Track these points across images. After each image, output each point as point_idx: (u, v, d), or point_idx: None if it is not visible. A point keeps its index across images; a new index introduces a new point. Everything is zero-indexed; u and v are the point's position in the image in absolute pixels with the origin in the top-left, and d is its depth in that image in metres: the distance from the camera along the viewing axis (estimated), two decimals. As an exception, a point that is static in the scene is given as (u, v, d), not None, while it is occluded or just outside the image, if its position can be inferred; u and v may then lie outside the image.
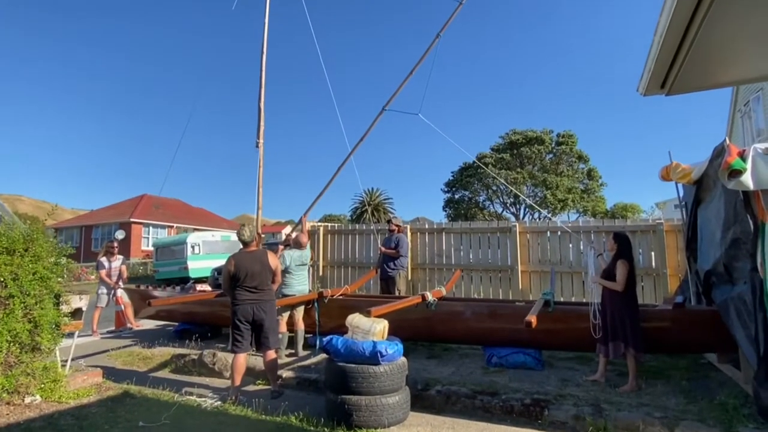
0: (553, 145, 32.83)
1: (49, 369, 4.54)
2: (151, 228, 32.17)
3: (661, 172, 5.50)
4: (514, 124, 63.63)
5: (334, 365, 3.90)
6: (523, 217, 32.62)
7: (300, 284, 6.22)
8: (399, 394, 3.85)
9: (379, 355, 3.75)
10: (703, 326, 4.61)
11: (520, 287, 7.77)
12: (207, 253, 19.43)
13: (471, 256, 8.45)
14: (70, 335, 5.10)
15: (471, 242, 8.49)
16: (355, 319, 4.21)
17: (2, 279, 4.10)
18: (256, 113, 7.91)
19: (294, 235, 6.92)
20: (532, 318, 4.20)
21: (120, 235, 20.67)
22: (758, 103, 13.82)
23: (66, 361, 4.90)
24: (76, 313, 5.53)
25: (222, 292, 5.89)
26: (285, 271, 5.94)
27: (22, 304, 4.18)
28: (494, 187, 33.30)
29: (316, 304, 6.19)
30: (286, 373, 5.14)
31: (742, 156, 3.36)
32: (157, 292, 8.22)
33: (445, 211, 36.07)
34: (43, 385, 4.37)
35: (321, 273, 9.58)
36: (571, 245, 7.63)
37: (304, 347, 6.04)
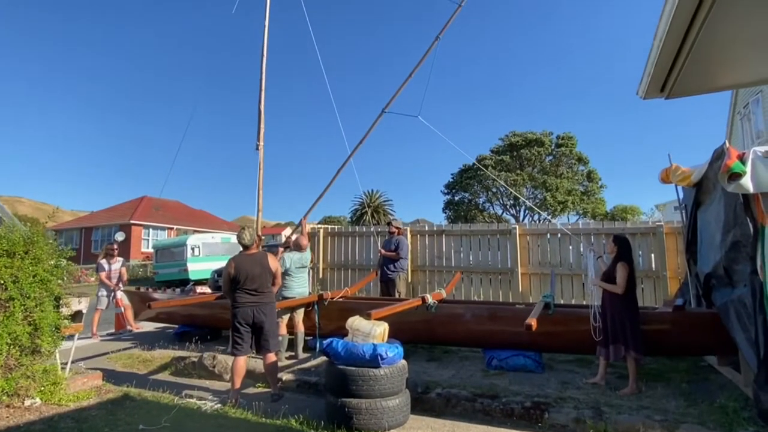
0: (552, 147, 32.80)
1: (49, 372, 4.53)
2: (151, 230, 32.15)
3: (661, 174, 5.49)
4: (514, 126, 63.79)
5: (335, 368, 3.90)
6: (523, 219, 32.60)
7: (300, 286, 6.21)
8: (399, 397, 3.84)
9: (379, 358, 3.76)
10: (703, 329, 4.61)
11: (520, 289, 7.77)
12: (207, 255, 19.43)
13: (471, 259, 8.45)
14: (70, 338, 5.10)
15: (471, 244, 8.49)
16: (355, 322, 4.21)
17: (2, 282, 4.09)
18: (257, 115, 7.91)
19: (294, 237, 6.92)
20: (533, 321, 4.20)
21: (120, 236, 20.72)
22: (758, 105, 13.85)
23: (66, 363, 4.89)
24: (76, 316, 5.53)
25: (222, 294, 5.90)
26: (285, 274, 5.94)
27: (22, 307, 4.17)
28: (494, 189, 33.27)
29: (316, 307, 6.19)
30: (286, 376, 5.14)
31: (742, 159, 3.37)
32: (157, 295, 8.21)
33: (445, 212, 36.05)
34: (42, 388, 4.36)
35: (321, 275, 9.58)
36: (571, 247, 7.63)
37: (304, 350, 6.04)
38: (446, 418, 4.16)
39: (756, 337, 3.42)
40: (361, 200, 42.25)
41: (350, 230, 9.95)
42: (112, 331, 8.52)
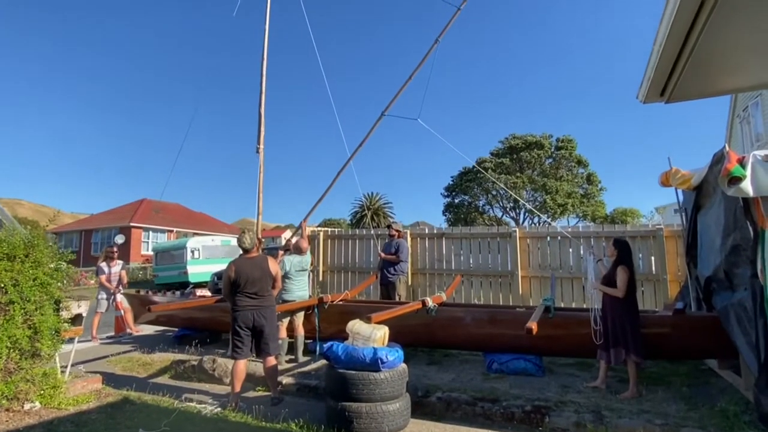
0: (552, 150, 32.85)
1: (49, 375, 4.52)
2: (150, 232, 32.12)
3: (661, 177, 5.50)
4: (514, 129, 63.85)
5: (335, 372, 3.90)
6: (523, 222, 32.61)
7: (300, 290, 6.21)
8: (399, 401, 3.84)
9: (379, 361, 3.75)
10: (704, 332, 4.61)
11: (521, 292, 7.77)
12: (207, 257, 19.42)
13: (471, 262, 8.45)
14: (70, 341, 5.09)
15: (471, 247, 8.49)
16: (355, 326, 4.21)
17: (2, 285, 4.09)
18: (257, 117, 7.92)
19: (294, 240, 6.92)
20: (533, 325, 4.20)
21: (119, 239, 20.67)
22: (757, 108, 13.87)
23: (65, 367, 4.88)
24: (76, 319, 5.51)
25: (222, 297, 5.89)
26: (285, 277, 5.93)
27: (22, 310, 4.17)
28: (494, 192, 33.30)
29: (316, 310, 6.19)
30: (286, 380, 5.13)
31: (742, 163, 3.37)
32: (156, 298, 8.21)
33: (445, 215, 36.08)
34: (42, 392, 4.35)
35: (321, 278, 9.58)
36: (571, 250, 7.64)
37: (304, 353, 6.03)
38: (447, 422, 4.15)
39: (756, 340, 3.42)
40: (361, 203, 42.30)
41: (350, 233, 9.95)
42: (112, 334, 8.50)
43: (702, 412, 3.88)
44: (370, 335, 4.05)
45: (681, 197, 5.81)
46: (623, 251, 4.68)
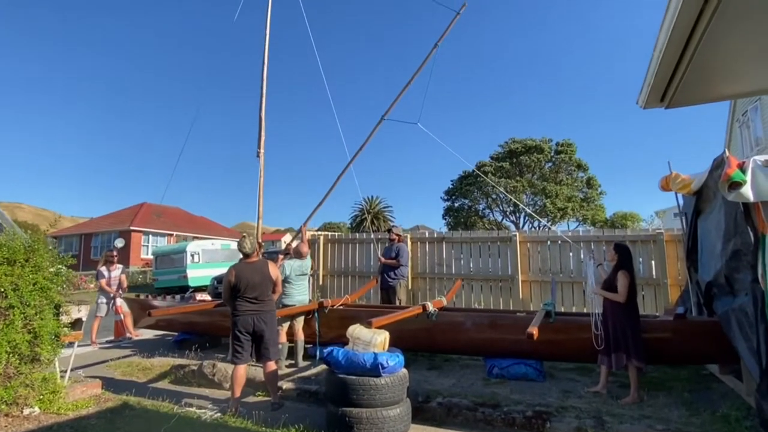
0: (552, 154, 32.92)
1: (48, 380, 4.51)
2: (150, 236, 32.11)
3: (661, 182, 5.51)
4: (514, 133, 63.89)
5: (335, 377, 3.89)
6: (523, 226, 32.62)
7: (300, 294, 6.20)
8: (400, 407, 3.82)
9: (380, 366, 3.74)
10: (705, 337, 4.60)
11: (521, 297, 7.76)
12: (207, 261, 19.41)
13: (471, 266, 8.44)
14: (70, 345, 5.08)
15: (471, 251, 8.49)
16: (356, 331, 4.20)
17: (2, 289, 4.08)
18: (257, 119, 7.93)
19: (294, 244, 6.92)
20: (534, 330, 4.19)
21: (119, 243, 20.67)
22: (756, 113, 13.91)
23: (65, 371, 4.87)
24: (76, 324, 5.52)
25: (221, 301, 5.88)
26: (285, 281, 5.93)
27: (22, 315, 4.16)
28: (494, 196, 33.34)
29: (316, 314, 6.18)
30: (286, 385, 5.11)
31: (742, 168, 3.38)
32: (156, 302, 8.20)
33: (445, 219, 36.10)
34: (41, 397, 4.34)
35: (321, 282, 9.56)
36: (571, 254, 7.63)
37: (304, 358, 6.02)
38: (447, 427, 4.14)
39: (758, 346, 3.41)
40: (361, 206, 42.28)
41: (350, 237, 9.95)
42: (112, 338, 8.49)
43: (704, 418, 3.87)
44: (371, 340, 4.04)
45: (681, 201, 5.81)
46: (624, 256, 4.68)
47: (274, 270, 4.94)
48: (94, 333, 8.04)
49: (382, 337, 4.09)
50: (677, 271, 6.95)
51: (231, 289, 4.70)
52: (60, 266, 4.82)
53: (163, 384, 5.70)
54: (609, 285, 4.65)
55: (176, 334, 7.61)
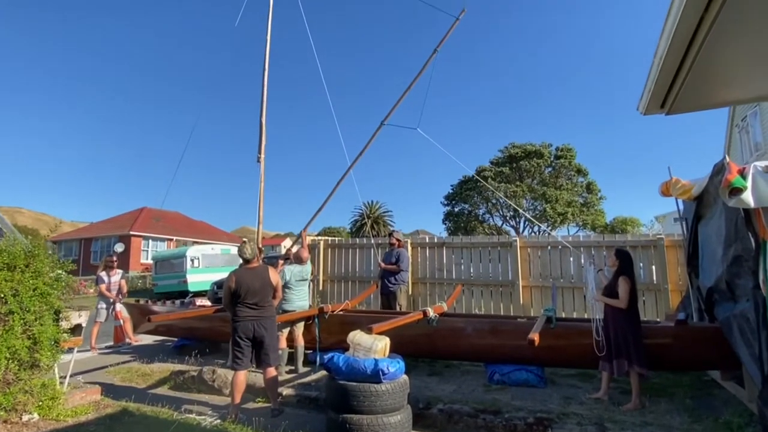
0: (552, 159, 32.95)
1: (48, 386, 4.49)
2: (150, 241, 32.08)
3: (661, 187, 5.52)
4: (514, 138, 64.02)
5: (335, 383, 3.87)
6: (523, 231, 32.60)
7: (300, 300, 6.19)
8: (401, 413, 3.81)
9: (380, 373, 3.73)
10: (706, 343, 4.59)
11: (522, 302, 7.74)
12: (206, 266, 19.37)
13: (472, 271, 8.43)
14: (69, 351, 5.07)
15: (472, 257, 8.48)
16: (356, 337, 4.19)
17: (2, 295, 4.08)
18: (258, 126, 7.94)
19: (295, 249, 6.91)
20: (535, 336, 4.18)
21: (119, 248, 20.69)
22: (755, 118, 13.95)
23: (64, 377, 4.85)
24: (76, 329, 5.50)
25: (221, 307, 5.87)
26: (285, 287, 5.92)
27: (21, 321, 4.15)
28: (494, 201, 33.33)
29: (316, 320, 6.16)
30: (286, 391, 5.09)
31: (743, 174, 3.37)
32: (156, 307, 8.18)
33: (445, 224, 36.07)
34: (41, 403, 4.32)
35: (321, 287, 9.55)
36: (572, 259, 7.63)
37: (304, 363, 6.00)
38: (448, 434, 4.12)
39: (760, 352, 3.40)
40: (360, 211, 42.34)
41: (350, 242, 9.95)
42: (111, 343, 8.46)
43: (706, 425, 3.85)
44: (371, 346, 4.03)
45: (681, 207, 5.81)
46: (625, 262, 4.67)
47: (274, 275, 4.93)
48: (93, 338, 8.01)
49: (383, 344, 4.08)
50: (678, 277, 6.94)
51: (231, 295, 4.69)
52: (60, 271, 4.82)
53: (163, 390, 5.68)
54: (610, 291, 4.64)
55: (176, 339, 7.59)
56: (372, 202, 44.27)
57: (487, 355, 5.43)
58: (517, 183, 32.04)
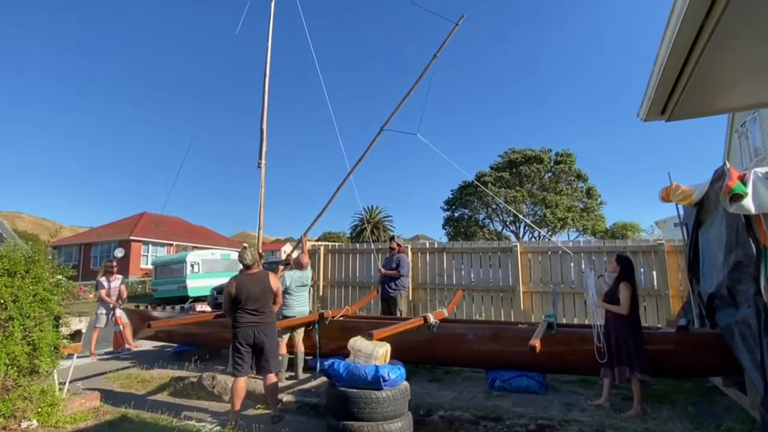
0: (551, 164, 33.00)
1: (47, 392, 4.47)
2: (150, 246, 32.06)
3: (662, 193, 5.51)
4: (514, 143, 64.12)
5: (336, 390, 3.86)
6: (523, 236, 32.60)
7: (300, 305, 6.17)
8: (402, 420, 3.79)
9: (381, 379, 3.72)
10: (708, 349, 4.57)
11: (522, 308, 7.73)
12: (206, 271, 19.33)
13: (472, 276, 8.42)
14: (69, 357, 5.05)
15: (472, 262, 8.47)
16: (357, 343, 4.18)
17: (2, 301, 4.06)
18: (258, 133, 7.96)
19: (295, 255, 6.90)
20: (536, 342, 4.17)
21: (119, 253, 20.65)
22: (755, 123, 13.98)
23: (63, 383, 4.83)
24: (76, 335, 5.48)
25: (221, 312, 5.86)
26: (285, 292, 5.90)
27: (21, 327, 4.13)
28: (494, 206, 33.34)
29: (316, 326, 6.14)
30: (286, 397, 5.07)
31: (743, 180, 3.38)
32: (156, 313, 8.16)
33: (445, 229, 36.07)
34: (40, 409, 4.30)
35: (321, 293, 9.53)
36: (572, 265, 7.62)
37: (304, 369, 5.97)
38: (449, 441, 4.10)
39: (762, 358, 3.38)
40: (360, 216, 42.33)
41: (351, 247, 9.94)
42: (111, 349, 8.44)
43: (708, 431, 3.83)
44: (372, 352, 4.02)
45: (681, 212, 5.81)
46: (626, 268, 4.67)
47: (274, 281, 4.92)
48: (93, 344, 7.99)
49: (384, 350, 4.07)
50: (679, 282, 6.93)
51: (231, 301, 4.68)
52: (60, 277, 4.81)
53: (163, 396, 5.66)
54: (611, 296, 4.63)
55: (176, 345, 7.57)
56: (372, 207, 44.31)
57: (488, 362, 5.41)
58: (517, 188, 32.07)
